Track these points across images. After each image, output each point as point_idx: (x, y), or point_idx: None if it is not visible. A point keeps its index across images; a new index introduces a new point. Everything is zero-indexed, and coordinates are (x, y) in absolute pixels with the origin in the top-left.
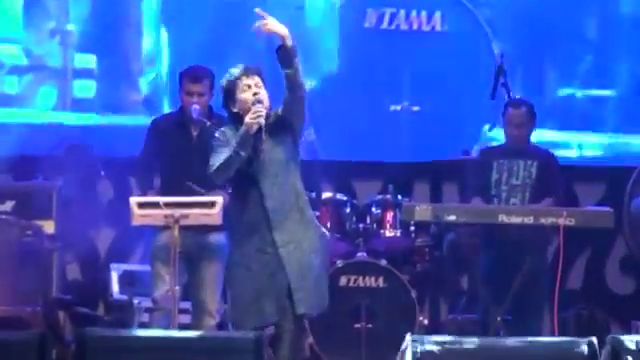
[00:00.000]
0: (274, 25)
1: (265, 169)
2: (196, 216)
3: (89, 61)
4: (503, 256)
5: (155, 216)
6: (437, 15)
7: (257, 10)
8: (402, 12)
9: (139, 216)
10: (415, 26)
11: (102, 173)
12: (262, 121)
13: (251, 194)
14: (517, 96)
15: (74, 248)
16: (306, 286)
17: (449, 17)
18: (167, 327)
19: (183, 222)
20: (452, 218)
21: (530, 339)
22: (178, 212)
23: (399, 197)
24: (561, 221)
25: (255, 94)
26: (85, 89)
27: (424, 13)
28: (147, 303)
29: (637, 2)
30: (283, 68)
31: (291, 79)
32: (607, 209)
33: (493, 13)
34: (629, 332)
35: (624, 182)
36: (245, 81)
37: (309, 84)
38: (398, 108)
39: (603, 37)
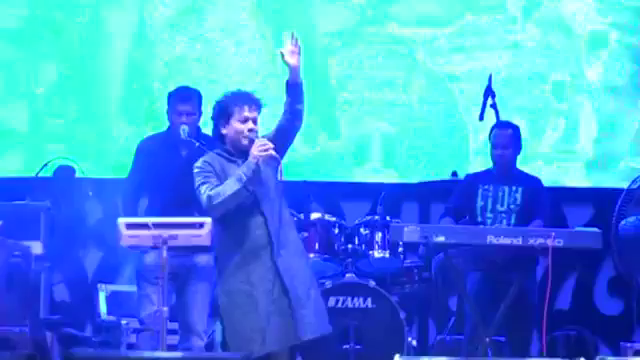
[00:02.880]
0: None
1: (265, 193)
2: (185, 237)
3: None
4: (491, 277)
5: (143, 237)
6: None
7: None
8: None
9: (127, 237)
10: None
11: (90, 194)
12: (273, 152)
13: (253, 218)
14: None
15: (62, 269)
16: (307, 313)
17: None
18: (155, 348)
19: (172, 243)
20: (441, 239)
21: None
22: (167, 233)
23: (388, 218)
24: (550, 242)
25: (250, 130)
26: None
27: None
28: (135, 324)
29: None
30: (295, 103)
31: (299, 113)
32: (595, 230)
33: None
34: (617, 353)
35: (612, 203)
36: (247, 112)
37: None
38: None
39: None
